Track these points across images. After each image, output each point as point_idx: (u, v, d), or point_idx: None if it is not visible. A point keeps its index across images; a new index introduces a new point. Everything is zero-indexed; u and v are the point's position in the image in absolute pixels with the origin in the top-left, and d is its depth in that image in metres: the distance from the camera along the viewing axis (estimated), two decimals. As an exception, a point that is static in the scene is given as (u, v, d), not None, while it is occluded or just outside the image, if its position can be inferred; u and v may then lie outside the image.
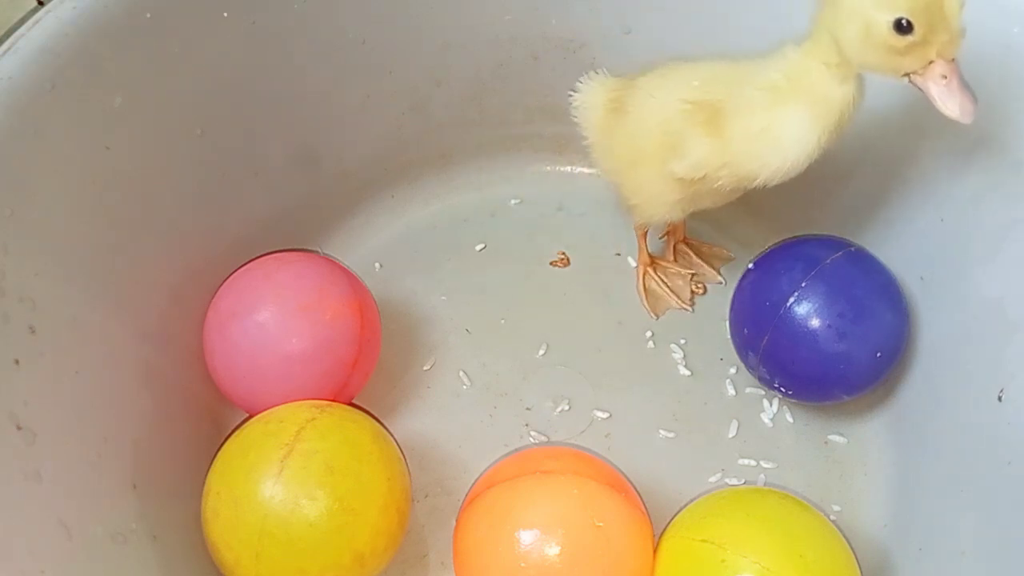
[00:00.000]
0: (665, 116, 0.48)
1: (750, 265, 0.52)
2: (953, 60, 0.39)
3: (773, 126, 0.44)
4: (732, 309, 0.53)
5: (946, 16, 0.37)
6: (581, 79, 0.53)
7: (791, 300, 0.48)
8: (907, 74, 0.40)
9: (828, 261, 0.48)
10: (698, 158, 0.46)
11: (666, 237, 0.59)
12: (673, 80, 0.48)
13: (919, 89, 0.40)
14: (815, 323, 0.47)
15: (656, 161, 0.49)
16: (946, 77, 0.39)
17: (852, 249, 0.49)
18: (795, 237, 0.52)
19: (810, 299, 0.48)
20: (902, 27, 0.38)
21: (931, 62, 0.39)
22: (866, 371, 0.49)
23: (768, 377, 0.50)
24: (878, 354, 0.48)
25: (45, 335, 0.41)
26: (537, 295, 0.58)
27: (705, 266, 0.58)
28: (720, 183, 0.47)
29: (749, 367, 0.52)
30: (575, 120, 0.53)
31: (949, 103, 0.39)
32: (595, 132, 0.53)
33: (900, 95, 0.49)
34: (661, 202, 0.51)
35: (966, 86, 0.39)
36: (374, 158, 0.59)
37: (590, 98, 0.52)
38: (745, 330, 0.51)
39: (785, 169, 0.44)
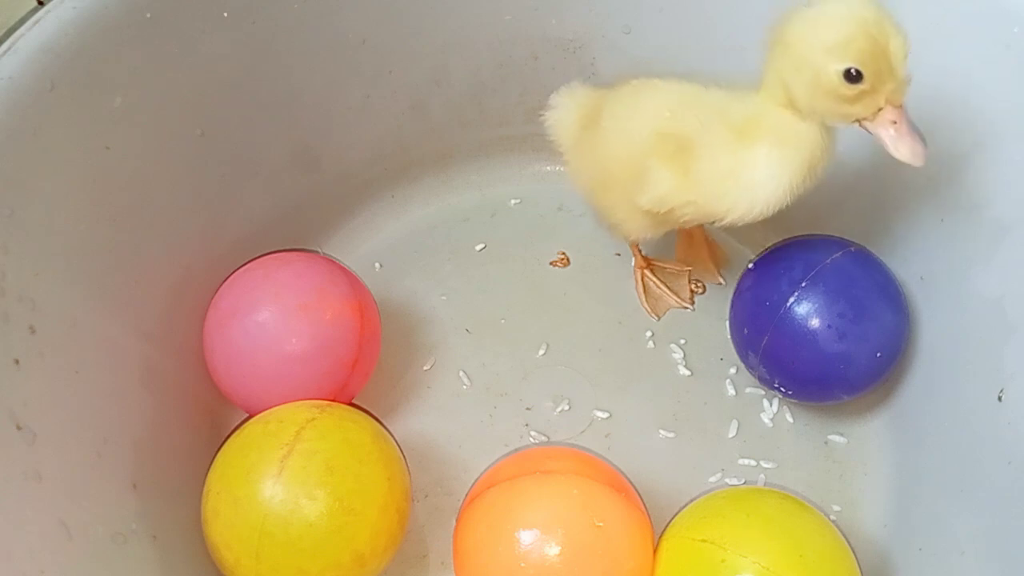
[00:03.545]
0: (632, 143, 0.47)
1: (750, 265, 0.52)
2: (901, 105, 0.39)
3: (741, 169, 0.43)
4: (732, 309, 0.53)
5: (893, 64, 0.38)
6: (553, 95, 0.52)
7: (791, 300, 0.48)
8: (857, 120, 0.40)
9: (828, 261, 0.48)
10: (662, 193, 0.46)
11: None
12: (644, 104, 0.47)
13: (870, 134, 0.40)
14: (815, 323, 0.47)
15: (624, 187, 0.48)
16: (896, 122, 0.39)
17: (852, 249, 0.49)
18: (795, 237, 0.52)
19: (810, 299, 0.48)
20: (851, 76, 0.38)
21: (880, 109, 0.39)
22: (866, 371, 0.49)
23: (768, 377, 0.50)
24: (878, 354, 0.48)
25: (45, 335, 0.41)
26: (537, 295, 0.58)
27: (708, 262, 0.58)
28: (686, 218, 0.47)
29: (749, 367, 0.52)
30: (551, 139, 0.53)
31: (901, 148, 0.40)
32: (569, 151, 0.53)
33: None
34: (634, 225, 0.51)
35: (915, 129, 0.40)
36: (374, 158, 0.59)
37: (563, 115, 0.52)
38: (745, 330, 0.51)
39: (754, 213, 0.44)
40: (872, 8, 0.38)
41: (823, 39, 0.39)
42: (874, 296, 0.48)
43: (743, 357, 0.52)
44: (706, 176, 0.44)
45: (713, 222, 0.47)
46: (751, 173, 0.43)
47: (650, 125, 0.46)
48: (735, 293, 0.53)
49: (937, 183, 0.49)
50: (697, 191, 0.45)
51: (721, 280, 0.58)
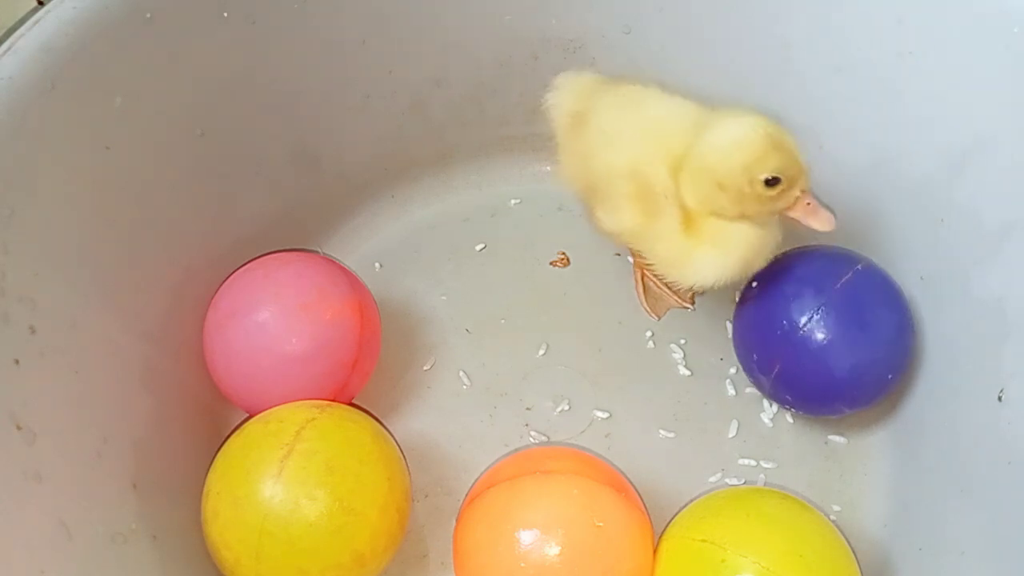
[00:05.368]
0: (611, 166, 0.49)
1: (753, 283, 0.51)
2: (809, 190, 0.46)
3: (685, 259, 0.48)
4: (737, 331, 0.52)
5: (798, 160, 0.45)
6: (559, 76, 0.53)
7: (803, 330, 0.47)
8: (780, 211, 0.46)
9: (838, 285, 0.48)
10: (620, 224, 0.49)
11: None
12: (629, 129, 0.49)
13: (790, 218, 0.47)
14: (828, 349, 0.47)
15: (601, 199, 0.50)
16: (808, 203, 0.46)
17: (860, 267, 0.49)
18: (799, 248, 0.51)
19: (822, 328, 0.47)
20: (771, 182, 0.45)
21: (796, 197, 0.46)
22: (874, 391, 0.49)
23: (778, 397, 0.51)
24: (888, 376, 0.48)
25: (45, 335, 0.41)
26: (537, 295, 0.58)
27: None
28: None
29: (759, 387, 0.52)
30: (550, 120, 0.53)
31: (817, 221, 0.46)
32: (560, 141, 0.53)
33: (898, 96, 0.49)
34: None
35: (822, 203, 0.46)
36: (374, 158, 0.59)
37: (560, 99, 0.52)
38: (755, 355, 0.50)
39: (699, 287, 0.48)
40: (768, 122, 0.45)
41: (742, 160, 0.44)
42: (884, 318, 0.48)
43: (754, 380, 0.52)
44: (654, 250, 0.49)
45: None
46: (692, 266, 0.48)
47: (630, 156, 0.48)
48: (739, 310, 0.52)
49: (937, 183, 0.49)
50: (651, 251, 0.49)
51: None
